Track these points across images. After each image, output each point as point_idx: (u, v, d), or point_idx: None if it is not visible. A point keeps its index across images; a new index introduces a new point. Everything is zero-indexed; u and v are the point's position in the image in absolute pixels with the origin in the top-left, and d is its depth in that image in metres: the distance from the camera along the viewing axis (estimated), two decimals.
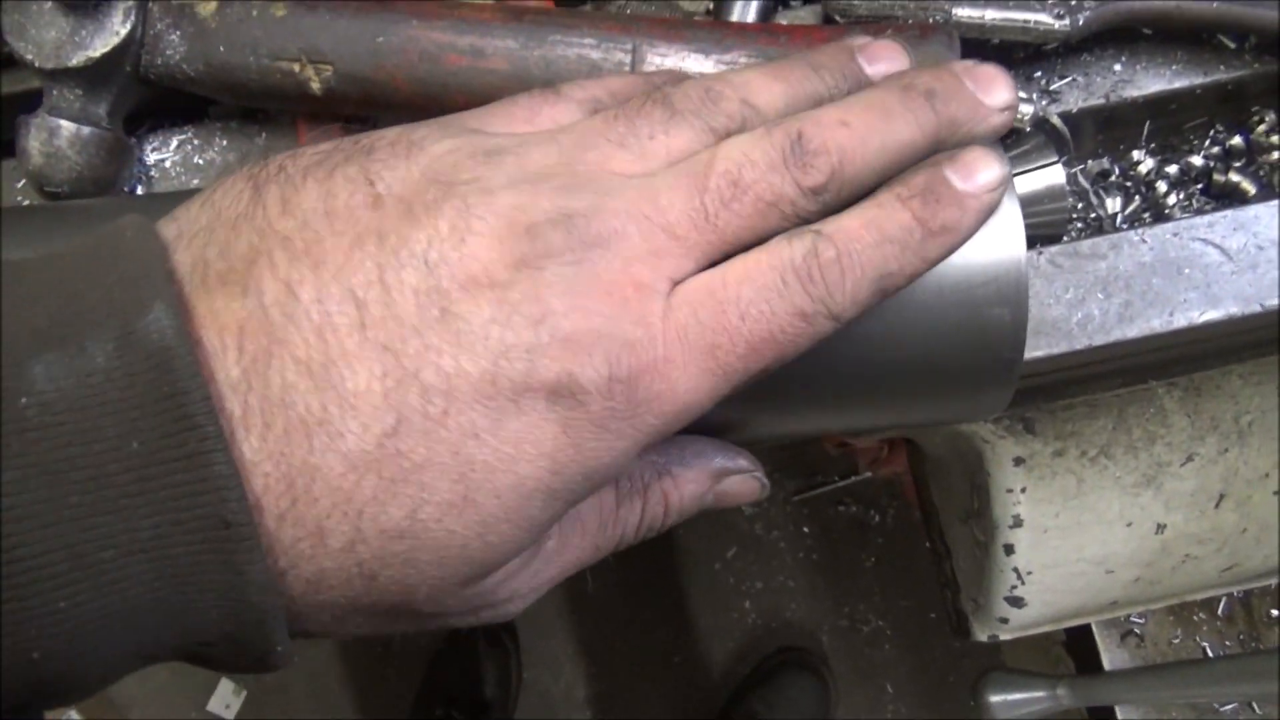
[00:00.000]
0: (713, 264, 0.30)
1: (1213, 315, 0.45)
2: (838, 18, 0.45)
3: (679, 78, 0.34)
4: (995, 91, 0.33)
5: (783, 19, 0.49)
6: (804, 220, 0.30)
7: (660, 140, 0.31)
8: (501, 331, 0.27)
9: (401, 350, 0.26)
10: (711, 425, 0.37)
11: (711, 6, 0.49)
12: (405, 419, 0.26)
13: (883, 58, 0.34)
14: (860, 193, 0.31)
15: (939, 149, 0.32)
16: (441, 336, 0.27)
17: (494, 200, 0.28)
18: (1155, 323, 0.45)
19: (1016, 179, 0.46)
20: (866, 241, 0.30)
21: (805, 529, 1.75)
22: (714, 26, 0.44)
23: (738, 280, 0.29)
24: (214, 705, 1.73)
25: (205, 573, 0.25)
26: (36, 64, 0.43)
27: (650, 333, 0.28)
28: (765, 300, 0.29)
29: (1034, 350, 0.45)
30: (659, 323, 0.28)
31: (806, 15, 0.49)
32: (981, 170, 0.31)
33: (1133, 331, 0.45)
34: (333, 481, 0.26)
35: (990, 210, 0.32)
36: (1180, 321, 0.45)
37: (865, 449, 1.59)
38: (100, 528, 0.24)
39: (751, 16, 0.47)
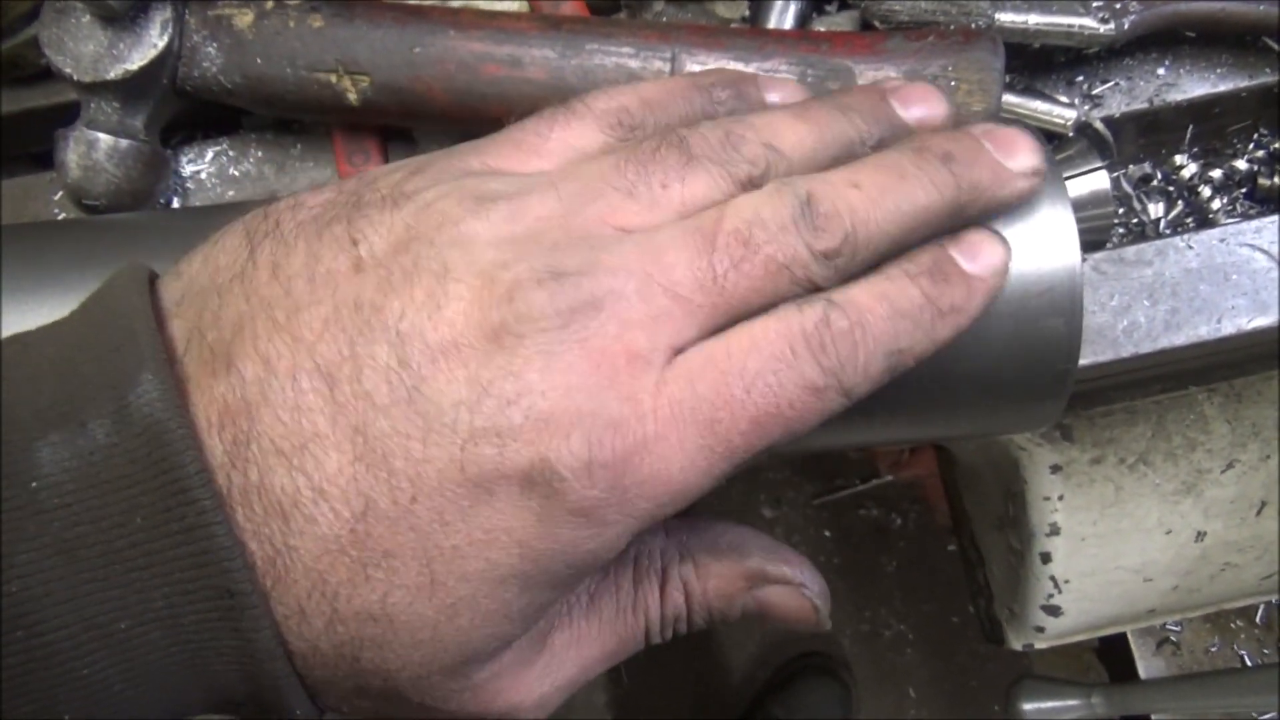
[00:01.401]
0: (716, 331, 0.27)
1: (1262, 322, 0.44)
2: (877, 23, 0.45)
3: (725, 77, 0.33)
4: (1018, 155, 0.31)
5: (820, 25, 0.48)
6: (815, 287, 0.28)
7: (675, 190, 0.28)
8: (470, 416, 0.25)
9: (370, 433, 0.25)
10: None
11: (748, 13, 0.49)
12: (374, 504, 0.25)
13: (917, 100, 0.32)
14: (873, 260, 0.29)
15: (959, 215, 0.30)
16: (409, 419, 0.25)
17: (474, 259, 0.26)
18: (1203, 330, 0.44)
19: None
20: (879, 314, 0.28)
21: (826, 533, 1.74)
22: (753, 34, 0.44)
23: (743, 350, 0.27)
24: None
25: (218, 639, 0.25)
26: (75, 77, 0.43)
27: (639, 409, 0.26)
28: (773, 371, 0.27)
29: (1080, 359, 0.44)
30: (649, 397, 0.26)
31: (844, 21, 0.48)
32: (986, 253, 0.30)
33: (1180, 339, 0.44)
34: (308, 563, 0.25)
35: (995, 294, 0.30)
36: (1228, 329, 0.44)
37: (886, 452, 1.58)
38: (114, 600, 0.24)
39: (789, 23, 0.47)
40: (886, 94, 0.32)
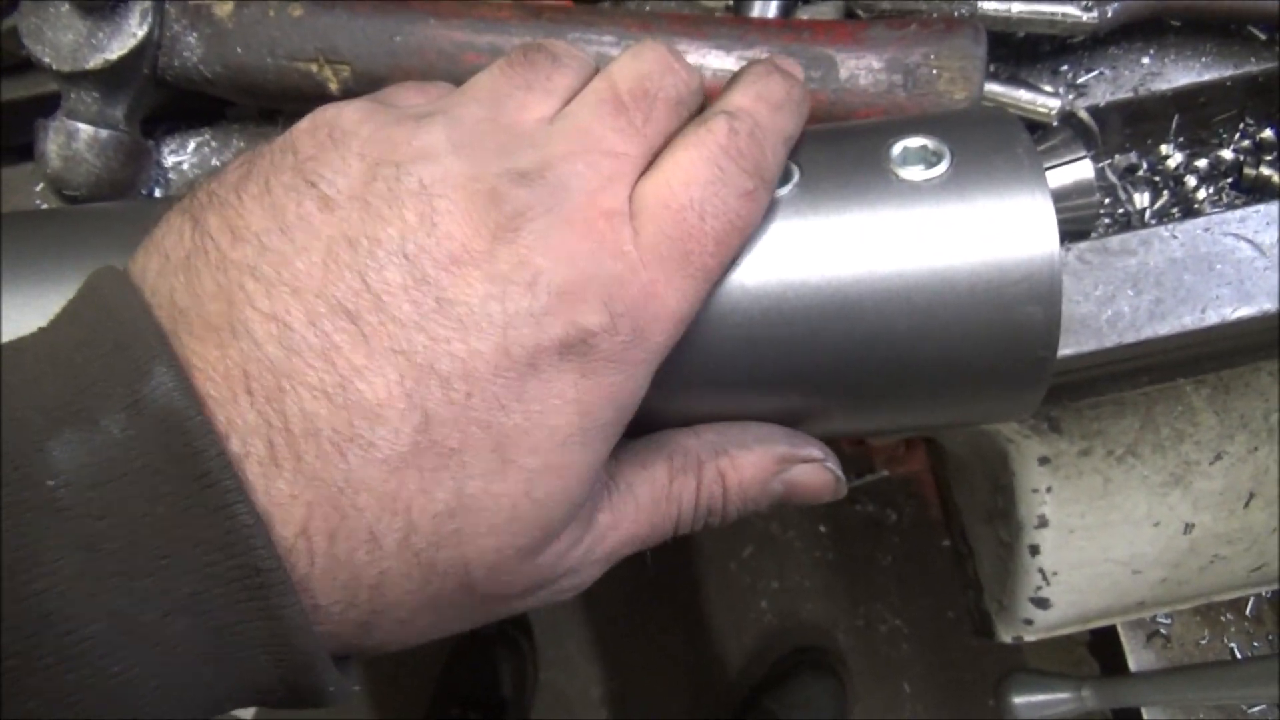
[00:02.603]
0: (644, 170, 0.31)
1: (1246, 311, 0.44)
2: (860, 12, 0.45)
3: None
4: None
5: (804, 14, 0.48)
6: (695, 113, 0.33)
7: (557, 79, 0.33)
8: (501, 305, 0.27)
9: (410, 349, 0.27)
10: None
11: (732, 3, 0.48)
12: (431, 412, 0.27)
13: None
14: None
15: None
16: (444, 326, 0.27)
17: (447, 173, 0.29)
18: (1187, 319, 0.44)
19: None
20: (764, 110, 0.33)
21: (821, 528, 1.74)
22: (736, 23, 0.43)
23: (684, 184, 0.31)
24: None
25: (246, 620, 0.25)
26: (54, 67, 0.43)
27: (630, 262, 0.29)
28: (715, 195, 0.31)
29: (1063, 349, 0.44)
30: (634, 249, 0.29)
31: (828, 10, 0.48)
32: (793, 65, 0.36)
33: (1164, 329, 0.44)
34: (376, 489, 0.26)
35: (808, 94, 0.37)
36: (1213, 318, 0.44)
37: (882, 447, 1.58)
38: (139, 592, 0.24)
39: (772, 12, 0.47)
40: None
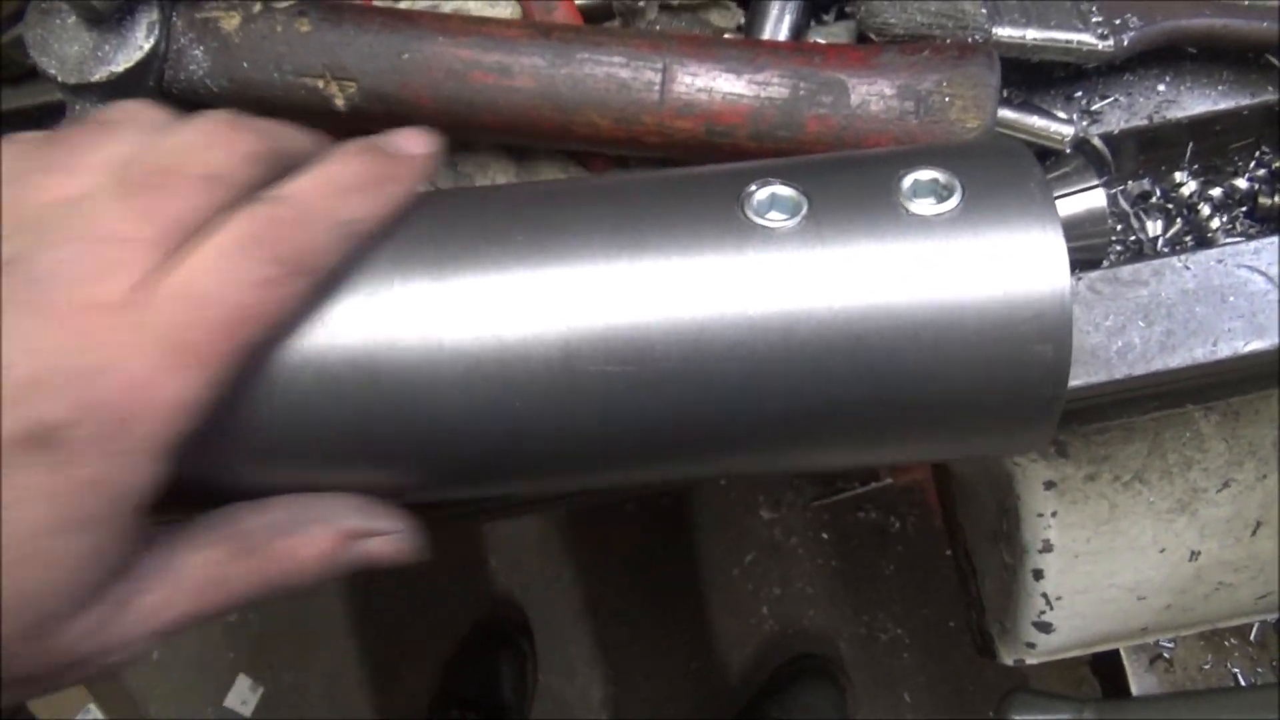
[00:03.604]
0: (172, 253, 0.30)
1: (1259, 345, 0.44)
2: (873, 36, 0.44)
3: None
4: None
5: (816, 35, 0.48)
6: (260, 185, 0.31)
7: (99, 152, 0.31)
8: None
9: None
10: (738, 464, 0.36)
11: (743, 23, 0.48)
12: None
13: None
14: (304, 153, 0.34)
15: None
16: None
17: None
18: (1198, 352, 0.44)
19: (1056, 202, 0.45)
20: (323, 194, 0.32)
21: (825, 535, 1.73)
22: (746, 45, 0.43)
23: (201, 271, 0.29)
24: (231, 701, 1.73)
25: None
26: (59, 79, 0.43)
27: (111, 354, 0.28)
28: (224, 283, 0.29)
29: (1072, 379, 0.44)
30: (124, 338, 0.29)
31: (840, 32, 0.48)
32: (411, 140, 0.35)
33: (1175, 361, 0.44)
34: None
35: (426, 170, 0.35)
36: (1224, 351, 0.44)
37: None
38: None
39: (784, 34, 0.46)
40: None
